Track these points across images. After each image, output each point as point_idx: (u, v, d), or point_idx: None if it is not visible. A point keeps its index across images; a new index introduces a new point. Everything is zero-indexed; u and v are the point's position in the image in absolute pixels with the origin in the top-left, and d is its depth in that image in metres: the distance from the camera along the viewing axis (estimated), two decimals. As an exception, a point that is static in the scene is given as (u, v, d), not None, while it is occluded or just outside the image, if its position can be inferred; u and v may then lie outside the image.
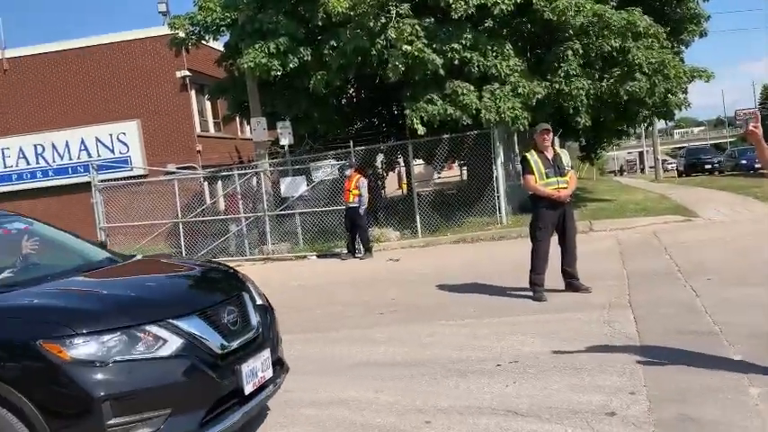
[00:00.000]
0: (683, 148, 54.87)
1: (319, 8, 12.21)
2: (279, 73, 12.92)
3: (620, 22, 12.03)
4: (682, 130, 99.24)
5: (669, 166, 51.59)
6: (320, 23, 12.57)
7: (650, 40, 12.40)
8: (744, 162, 31.40)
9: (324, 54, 12.61)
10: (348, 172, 12.13)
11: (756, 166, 30.56)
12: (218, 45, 17.47)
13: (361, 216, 11.77)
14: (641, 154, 70.12)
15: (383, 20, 11.79)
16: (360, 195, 11.70)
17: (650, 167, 56.37)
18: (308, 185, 13.83)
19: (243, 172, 14.92)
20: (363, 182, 12.00)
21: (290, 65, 12.76)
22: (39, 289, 3.49)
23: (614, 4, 13.05)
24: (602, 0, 12.51)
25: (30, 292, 3.44)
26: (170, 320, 3.16)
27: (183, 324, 3.18)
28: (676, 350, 4.51)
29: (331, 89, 13.32)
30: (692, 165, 35.79)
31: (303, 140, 15.13)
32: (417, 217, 13.53)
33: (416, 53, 11.48)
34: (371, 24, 11.75)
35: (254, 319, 3.67)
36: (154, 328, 3.10)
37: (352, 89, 17.01)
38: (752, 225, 10.60)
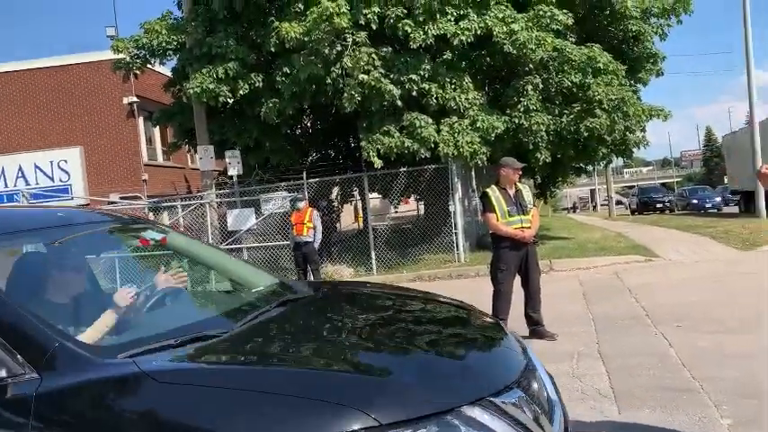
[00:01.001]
0: (634, 186, 56.30)
1: (272, 33, 11.72)
2: (229, 100, 12.33)
3: (581, 58, 11.88)
4: (631, 169, 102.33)
5: (624, 200, 52.63)
6: (273, 49, 12.04)
7: (610, 76, 12.27)
8: (695, 202, 32.16)
9: (276, 81, 12.08)
10: (301, 204, 11.52)
11: (707, 205, 31.37)
12: (168, 71, 16.78)
13: (316, 251, 11.19)
14: (593, 192, 71.64)
15: (339, 48, 11.36)
16: (314, 228, 11.15)
17: (602, 205, 57.54)
18: (257, 218, 13.12)
19: (187, 203, 14.11)
20: (317, 215, 11.46)
21: (241, 91, 12.18)
22: (253, 337, 2.29)
23: (574, 39, 12.94)
24: (562, 35, 12.38)
25: (252, 339, 2.25)
26: (491, 399, 1.94)
27: (507, 404, 1.96)
28: (657, 412, 4.00)
29: (284, 118, 12.76)
30: (645, 203, 36.51)
31: (253, 171, 14.44)
32: (373, 253, 12.99)
33: (373, 83, 11.07)
34: (326, 52, 11.30)
35: (553, 390, 2.43)
36: (476, 412, 1.86)
37: (307, 119, 16.50)
38: (714, 267, 10.37)
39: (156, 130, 22.26)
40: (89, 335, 2.27)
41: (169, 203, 14.61)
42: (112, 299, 2.51)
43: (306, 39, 11.27)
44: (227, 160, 13.44)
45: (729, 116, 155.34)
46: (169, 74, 16.73)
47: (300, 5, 11.99)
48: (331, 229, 15.04)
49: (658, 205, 35.65)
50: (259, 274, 3.37)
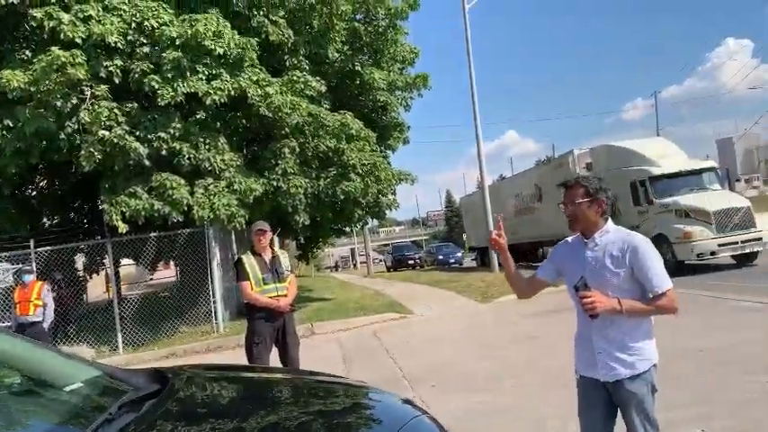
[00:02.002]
0: (389, 245, 60.23)
1: (-11, 81, 10.09)
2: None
3: (335, 124, 12.29)
4: (386, 228, 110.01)
5: (379, 257, 55.94)
6: (-8, 100, 10.36)
7: (362, 143, 12.87)
8: (440, 258, 35.27)
9: (-4, 136, 10.37)
10: (27, 278, 9.84)
11: (451, 261, 34.56)
12: None
13: (47, 332, 9.58)
14: (353, 250, 75.03)
15: (75, 100, 10.18)
16: (45, 306, 9.58)
17: (362, 263, 60.38)
18: (-33, 297, 10.91)
19: None
20: (48, 289, 9.88)
21: (-53, 146, 10.22)
22: None
23: (328, 106, 13.38)
24: (317, 101, 12.71)
25: None
26: None
27: None
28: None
29: (6, 177, 10.97)
30: (399, 260, 39.02)
31: (-37, 240, 12.10)
32: (118, 329, 11.58)
33: (116, 140, 10.08)
34: (59, 104, 10.03)
35: None
36: None
37: (42, 179, 14.50)
38: (460, 321, 11.15)
39: None
40: None
41: None
42: None
43: (33, 89, 9.90)
44: (-74, 228, 11.07)
45: (464, 181, 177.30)
46: None
47: (28, 53, 10.60)
48: (71, 305, 13.15)
49: (410, 262, 38.38)
50: (69, 362, 2.47)
